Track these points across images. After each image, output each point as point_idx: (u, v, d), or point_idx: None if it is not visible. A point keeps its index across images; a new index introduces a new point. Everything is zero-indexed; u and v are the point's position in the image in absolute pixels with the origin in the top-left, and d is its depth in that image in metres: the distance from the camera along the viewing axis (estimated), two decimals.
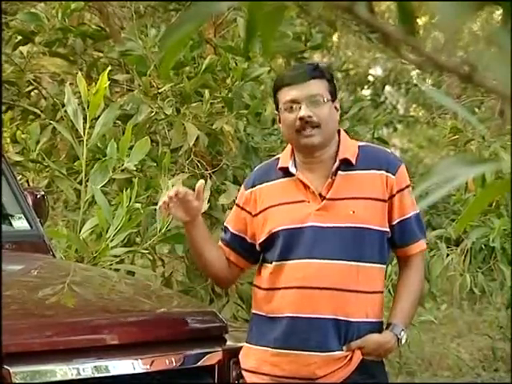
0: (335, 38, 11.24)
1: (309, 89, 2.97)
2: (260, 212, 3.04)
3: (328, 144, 3.00)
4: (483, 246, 5.13)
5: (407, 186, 3.02)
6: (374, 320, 2.98)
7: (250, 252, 3.13)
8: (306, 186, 2.99)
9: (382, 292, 3.04)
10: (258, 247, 3.07)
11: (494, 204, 4.98)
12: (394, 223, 3.00)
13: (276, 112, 3.10)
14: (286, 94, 2.98)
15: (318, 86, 2.99)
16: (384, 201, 2.98)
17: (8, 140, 5.28)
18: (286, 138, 3.09)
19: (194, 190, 2.96)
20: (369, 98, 11.50)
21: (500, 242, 4.98)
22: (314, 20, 6.92)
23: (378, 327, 2.99)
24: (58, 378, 2.70)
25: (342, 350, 2.93)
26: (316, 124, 2.95)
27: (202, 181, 3.03)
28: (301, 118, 2.94)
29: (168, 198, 2.94)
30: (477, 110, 8.28)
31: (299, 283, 2.93)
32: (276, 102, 3.06)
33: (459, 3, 0.70)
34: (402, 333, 2.99)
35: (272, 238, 3.00)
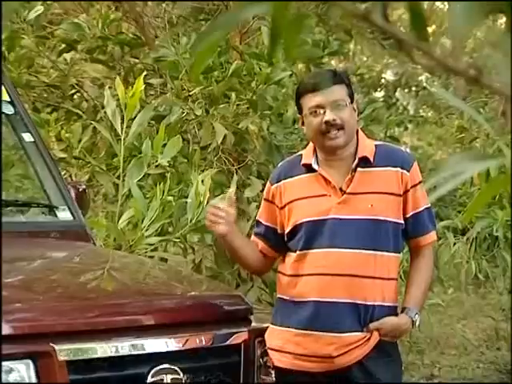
0: (351, 45, 11.20)
1: (332, 94, 2.96)
2: (285, 205, 3.04)
3: (349, 143, 2.99)
4: (487, 236, 5.11)
5: (420, 182, 3.01)
6: (390, 304, 2.98)
7: (280, 243, 3.12)
8: (327, 181, 2.98)
9: (396, 279, 3.03)
10: (285, 237, 3.07)
11: (497, 197, 4.95)
12: (408, 216, 3.00)
13: (299, 115, 3.09)
14: (311, 100, 2.97)
15: (339, 91, 2.98)
16: (399, 195, 2.97)
17: (53, 139, 5.30)
18: (310, 139, 3.07)
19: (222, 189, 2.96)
20: (382, 99, 11.44)
21: (503, 231, 4.96)
22: (332, 28, 6.89)
23: (393, 311, 2.99)
24: (99, 354, 2.71)
25: (361, 331, 2.92)
26: (340, 126, 2.94)
27: (231, 190, 3.04)
28: (326, 122, 2.93)
29: (212, 215, 2.97)
30: (481, 110, 8.22)
31: (321, 270, 2.92)
32: (299, 107, 3.04)
33: (468, 11, 0.70)
34: (416, 316, 2.99)
35: (296, 229, 2.99)
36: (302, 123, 3.06)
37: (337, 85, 2.99)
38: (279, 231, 3.09)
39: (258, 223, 3.17)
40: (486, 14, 0.76)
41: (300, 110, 3.04)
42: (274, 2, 0.86)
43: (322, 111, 2.95)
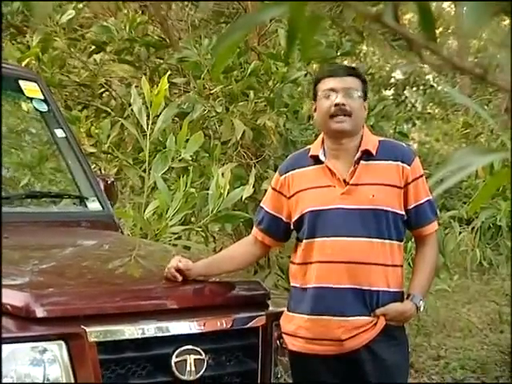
0: (363, 46, 11.16)
1: (346, 82, 2.96)
2: (293, 195, 3.02)
3: (354, 134, 2.98)
4: (491, 225, 5.08)
5: (421, 176, 2.99)
6: (395, 290, 2.95)
7: (283, 233, 3.12)
8: (332, 173, 2.97)
9: (401, 266, 3.01)
10: (291, 226, 3.06)
11: (500, 188, 4.92)
12: (410, 208, 2.97)
13: (313, 102, 3.08)
14: (326, 84, 2.97)
15: (354, 82, 2.98)
16: (400, 187, 2.95)
17: (84, 134, 5.31)
18: (319, 123, 3.07)
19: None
20: (391, 97, 11.40)
21: (506, 221, 4.93)
22: (345, 30, 6.86)
23: (399, 296, 2.97)
24: (126, 336, 2.72)
25: (367, 316, 2.91)
26: (348, 113, 2.93)
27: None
28: (336, 104, 2.93)
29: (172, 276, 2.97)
30: (485, 107, 8.17)
31: (327, 258, 2.90)
32: (315, 93, 3.04)
33: (476, 12, 0.69)
34: (421, 302, 2.97)
35: (302, 218, 2.98)
36: (315, 109, 3.05)
37: (353, 76, 3.00)
38: (285, 220, 3.06)
39: (261, 210, 3.14)
40: (492, 15, 0.75)
41: (315, 96, 3.03)
42: (291, 4, 0.85)
43: (334, 95, 2.94)
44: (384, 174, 2.95)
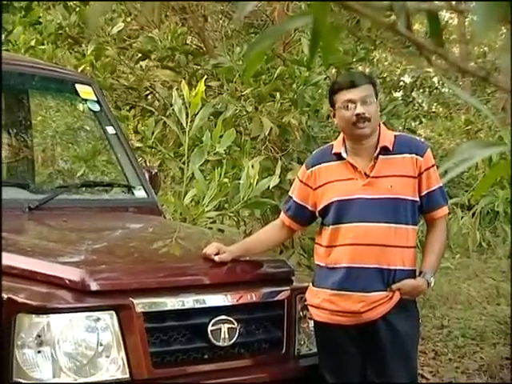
0: (376, 53, 11.08)
1: (362, 91, 2.93)
2: (319, 187, 3.01)
3: (373, 133, 2.96)
4: (490, 211, 5.02)
5: (433, 165, 2.97)
6: (409, 268, 2.94)
7: (308, 219, 3.11)
8: (354, 167, 2.95)
9: (414, 247, 2.99)
10: (317, 214, 3.05)
11: (498, 178, 4.86)
12: (423, 194, 2.95)
13: (331, 109, 3.06)
14: (345, 96, 2.93)
15: (368, 89, 2.95)
16: (414, 177, 2.93)
17: (131, 131, 5.33)
18: (341, 129, 3.04)
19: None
20: (400, 98, 11.29)
21: (503, 207, 4.88)
22: (359, 39, 6.80)
23: (412, 274, 2.95)
24: (168, 307, 2.73)
25: (385, 291, 2.90)
26: (368, 119, 2.91)
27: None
28: (357, 114, 2.90)
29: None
30: (484, 106, 8.07)
31: (351, 241, 2.90)
32: (332, 102, 3.00)
33: (485, 18, 0.68)
34: (432, 279, 2.96)
35: (329, 207, 2.97)
36: (334, 115, 3.02)
37: (366, 84, 2.96)
38: (310, 208, 3.05)
39: (290, 199, 3.12)
40: (499, 19, 0.73)
41: (332, 104, 3.00)
42: (314, 13, 0.84)
43: (353, 105, 2.91)
44: (400, 167, 2.93)
